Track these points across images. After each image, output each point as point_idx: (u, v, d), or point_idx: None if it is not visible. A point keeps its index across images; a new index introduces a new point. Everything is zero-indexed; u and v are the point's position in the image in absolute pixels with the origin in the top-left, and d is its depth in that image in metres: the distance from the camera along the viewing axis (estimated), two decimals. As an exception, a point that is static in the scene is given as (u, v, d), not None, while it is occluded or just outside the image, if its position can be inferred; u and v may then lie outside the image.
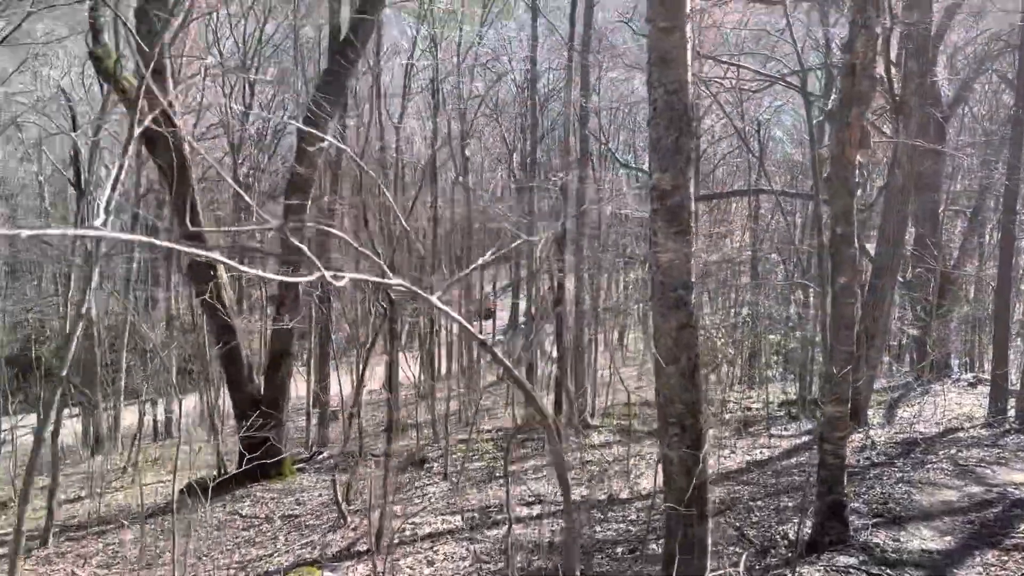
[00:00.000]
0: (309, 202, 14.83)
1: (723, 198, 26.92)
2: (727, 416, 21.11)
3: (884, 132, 22.41)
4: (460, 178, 29.22)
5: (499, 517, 10.12)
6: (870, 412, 17.72)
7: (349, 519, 11.53)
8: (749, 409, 21.83)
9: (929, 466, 10.99)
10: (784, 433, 17.46)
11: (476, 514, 10.56)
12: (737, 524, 8.41)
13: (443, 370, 35.21)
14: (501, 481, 13.49)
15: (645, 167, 33.90)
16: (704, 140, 35.92)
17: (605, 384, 33.39)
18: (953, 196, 29.85)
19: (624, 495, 11.36)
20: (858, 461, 12.63)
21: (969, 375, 22.01)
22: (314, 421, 21.98)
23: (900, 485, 9.32)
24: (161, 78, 13.55)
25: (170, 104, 13.55)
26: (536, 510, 10.61)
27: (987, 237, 25.38)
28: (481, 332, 31.96)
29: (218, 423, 17.00)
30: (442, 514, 10.87)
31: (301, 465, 16.87)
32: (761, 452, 14.98)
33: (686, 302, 6.36)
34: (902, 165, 16.07)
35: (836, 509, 7.50)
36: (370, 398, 31.65)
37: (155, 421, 28.15)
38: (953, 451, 12.04)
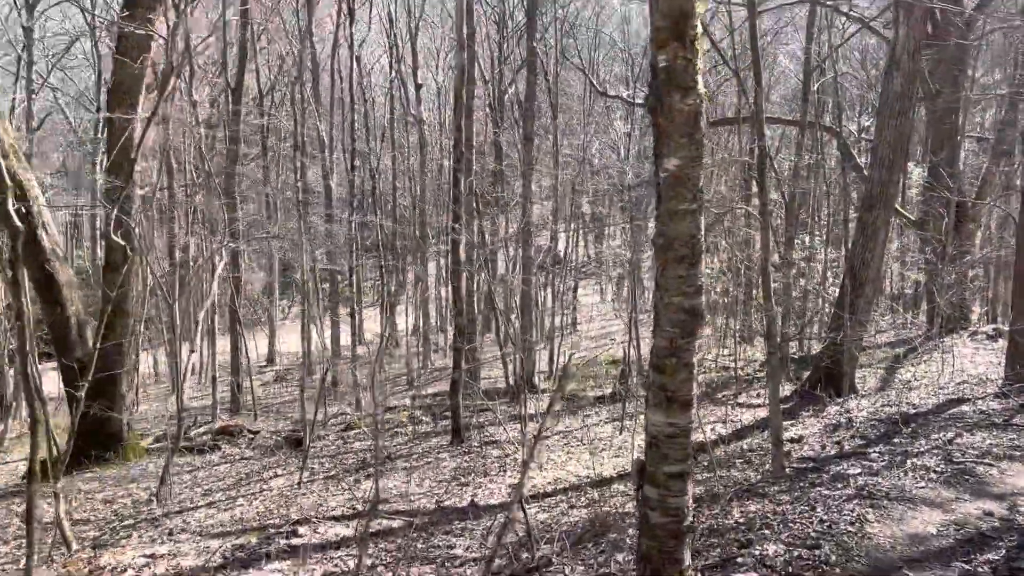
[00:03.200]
0: (139, 112, 11.71)
1: (709, 127, 23.31)
2: (700, 378, 18.07)
3: (880, 33, 18.79)
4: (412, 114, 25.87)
5: (285, 543, 7.17)
6: (864, 375, 14.58)
7: (74, 546, 7.81)
8: (726, 369, 18.71)
9: (912, 460, 7.87)
10: (754, 401, 14.40)
11: (256, 539, 7.57)
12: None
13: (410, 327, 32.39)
14: (366, 473, 10.59)
15: (635, 99, 30.18)
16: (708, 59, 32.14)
17: (580, 340, 30.42)
18: (975, 124, 26.10)
19: (493, 499, 8.38)
20: (823, 447, 9.55)
21: (989, 327, 18.67)
22: (223, 389, 19.23)
23: (855, 503, 6.22)
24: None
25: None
26: (347, 528, 7.64)
27: (1017, 167, 21.66)
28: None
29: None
30: (228, 534, 7.90)
31: (162, 444, 14.02)
32: (712, 430, 11.91)
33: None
34: (901, 64, 12.60)
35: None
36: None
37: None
38: (950, 435, 8.90)
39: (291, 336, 31.70)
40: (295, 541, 7.05)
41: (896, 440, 9.05)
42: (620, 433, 12.29)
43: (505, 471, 9.92)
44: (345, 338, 26.56)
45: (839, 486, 6.93)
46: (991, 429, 9.01)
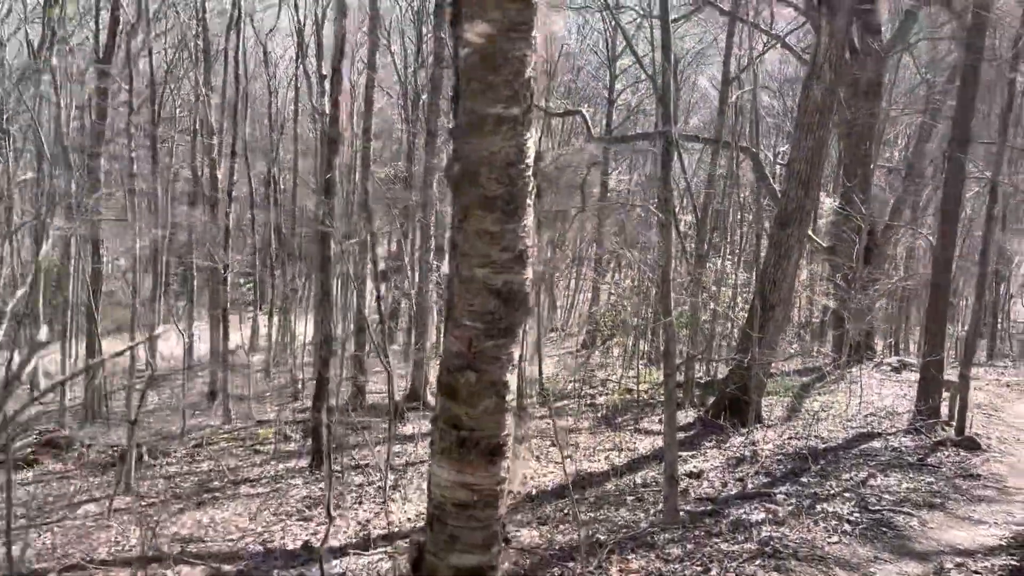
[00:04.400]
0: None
1: (623, 143, 22.59)
2: (600, 400, 17.01)
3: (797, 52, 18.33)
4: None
5: None
6: (771, 403, 13.72)
7: None
8: (630, 391, 17.69)
9: (822, 506, 6.83)
10: (655, 427, 13.35)
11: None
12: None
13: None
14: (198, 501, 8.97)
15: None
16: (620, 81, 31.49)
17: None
18: (885, 159, 26.13)
19: (336, 540, 6.93)
20: (724, 484, 8.47)
21: (893, 359, 18.33)
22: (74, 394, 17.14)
23: (757, 566, 5.07)
24: None
25: None
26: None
27: (927, 194, 21.54)
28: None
29: None
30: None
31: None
32: (607, 458, 10.77)
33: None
34: (822, 74, 11.86)
35: None
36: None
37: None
38: (863, 475, 7.96)
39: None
40: (55, 597, 5.49)
41: (804, 479, 8.06)
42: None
43: (361, 502, 8.49)
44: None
45: (739, 538, 5.79)
46: (906, 470, 8.12)
